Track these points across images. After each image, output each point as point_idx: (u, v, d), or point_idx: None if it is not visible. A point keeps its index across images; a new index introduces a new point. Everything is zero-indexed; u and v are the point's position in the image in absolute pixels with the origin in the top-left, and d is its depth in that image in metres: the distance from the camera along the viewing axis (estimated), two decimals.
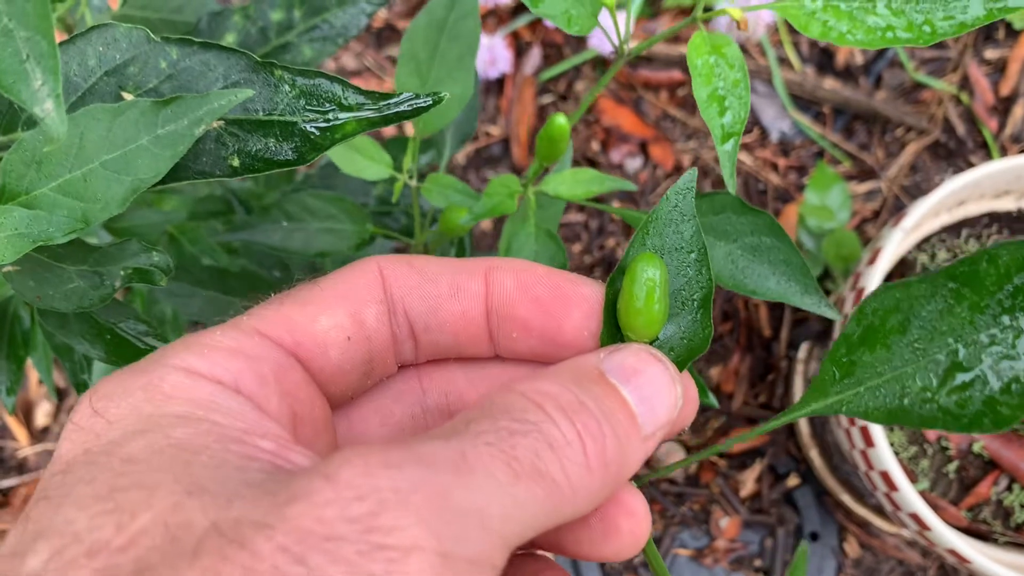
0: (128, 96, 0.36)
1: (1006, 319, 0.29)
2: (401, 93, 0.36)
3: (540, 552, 0.32)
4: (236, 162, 0.36)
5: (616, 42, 0.43)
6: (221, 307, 0.55)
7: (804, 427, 1.03)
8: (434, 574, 0.21)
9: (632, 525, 0.29)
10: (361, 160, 0.49)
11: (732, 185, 0.38)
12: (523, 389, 0.26)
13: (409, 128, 0.84)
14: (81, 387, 0.49)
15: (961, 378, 0.29)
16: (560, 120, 0.41)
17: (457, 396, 0.34)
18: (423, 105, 0.36)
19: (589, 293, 0.32)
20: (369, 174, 0.48)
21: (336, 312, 0.30)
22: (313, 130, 0.36)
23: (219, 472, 0.23)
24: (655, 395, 0.28)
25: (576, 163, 1.18)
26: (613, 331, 0.32)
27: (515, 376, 0.34)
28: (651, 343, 0.32)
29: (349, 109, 0.36)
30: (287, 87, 0.36)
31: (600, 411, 0.26)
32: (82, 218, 0.35)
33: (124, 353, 0.42)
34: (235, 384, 0.27)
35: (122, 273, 0.38)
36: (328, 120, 0.35)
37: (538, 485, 0.24)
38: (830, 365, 0.31)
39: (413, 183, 0.51)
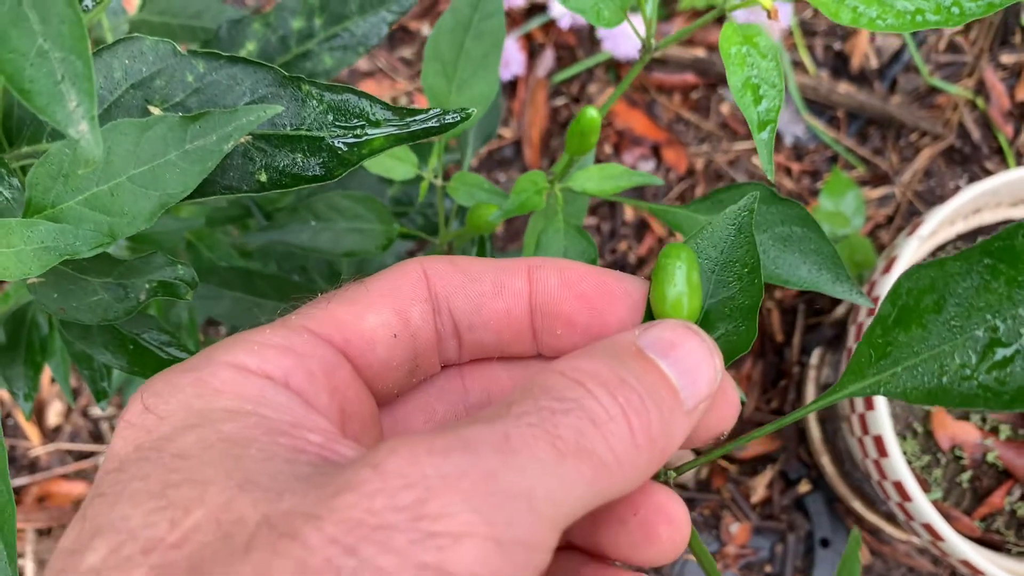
0: (155, 110, 0.36)
1: None
2: (428, 109, 0.36)
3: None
4: (264, 177, 0.36)
5: (643, 35, 0.42)
6: (247, 308, 0.55)
7: (815, 433, 1.02)
8: (488, 559, 0.21)
9: (672, 532, 0.29)
10: (388, 160, 0.49)
11: (770, 172, 0.37)
12: (562, 368, 0.26)
13: None
14: (101, 394, 0.49)
15: (1001, 353, 0.29)
16: (592, 113, 0.41)
17: (500, 394, 0.34)
18: (452, 121, 0.35)
19: (633, 289, 0.32)
20: (396, 173, 0.48)
21: (383, 310, 0.30)
22: (341, 145, 0.35)
23: (269, 465, 0.23)
24: (695, 368, 0.28)
25: None
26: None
27: None
28: None
29: (377, 125, 0.36)
30: (315, 102, 0.36)
31: (642, 386, 0.26)
32: (109, 232, 0.35)
33: (146, 363, 0.42)
34: (285, 380, 0.27)
35: (147, 286, 0.38)
36: (356, 136, 0.35)
37: (584, 463, 0.24)
38: (866, 347, 0.31)
39: (439, 182, 0.51)
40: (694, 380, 0.28)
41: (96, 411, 1.12)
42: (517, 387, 0.26)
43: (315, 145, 0.36)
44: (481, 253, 0.57)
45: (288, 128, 0.36)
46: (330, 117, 0.36)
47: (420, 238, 0.58)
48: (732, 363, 0.32)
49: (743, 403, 0.46)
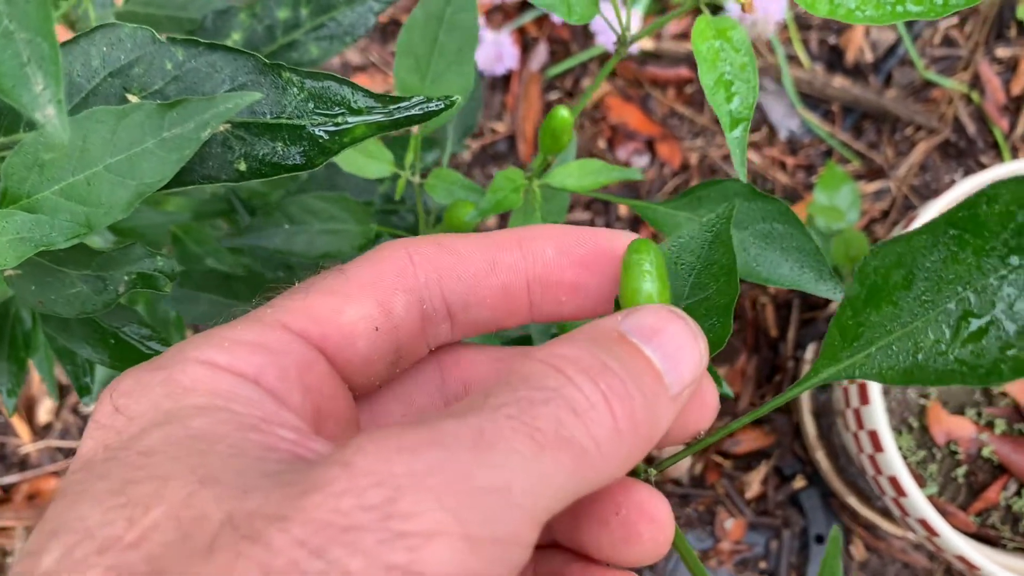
0: (133, 98, 0.35)
1: (1015, 259, 0.28)
2: (411, 97, 0.35)
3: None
4: (243, 166, 0.35)
5: (618, 30, 0.42)
6: (223, 310, 0.54)
7: (810, 428, 1.02)
8: (459, 559, 0.20)
9: (654, 532, 0.29)
10: (362, 158, 0.48)
11: (743, 172, 0.37)
12: (541, 356, 0.25)
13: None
14: (84, 390, 0.49)
15: (976, 324, 0.28)
16: (563, 112, 0.41)
17: (478, 382, 0.34)
18: (435, 109, 0.35)
19: (628, 242, 0.32)
20: (371, 172, 0.48)
21: (364, 302, 0.29)
22: (322, 134, 0.35)
23: (236, 461, 0.22)
24: (679, 352, 0.27)
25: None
26: None
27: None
28: None
29: (358, 112, 0.35)
30: (295, 90, 0.35)
31: (625, 371, 0.25)
32: (85, 223, 0.34)
33: (128, 357, 0.42)
34: (256, 378, 0.26)
35: (126, 278, 0.37)
36: (337, 124, 0.35)
37: (564, 454, 0.23)
38: (837, 330, 0.30)
39: (416, 180, 0.51)
40: (678, 364, 0.27)
41: (87, 408, 1.11)
42: (495, 378, 0.25)
43: (296, 133, 0.35)
44: None
45: (268, 116, 0.35)
46: (311, 105, 0.35)
47: (402, 236, 0.58)
48: (722, 359, 0.31)
49: (731, 398, 0.45)
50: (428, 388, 0.34)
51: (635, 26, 1.11)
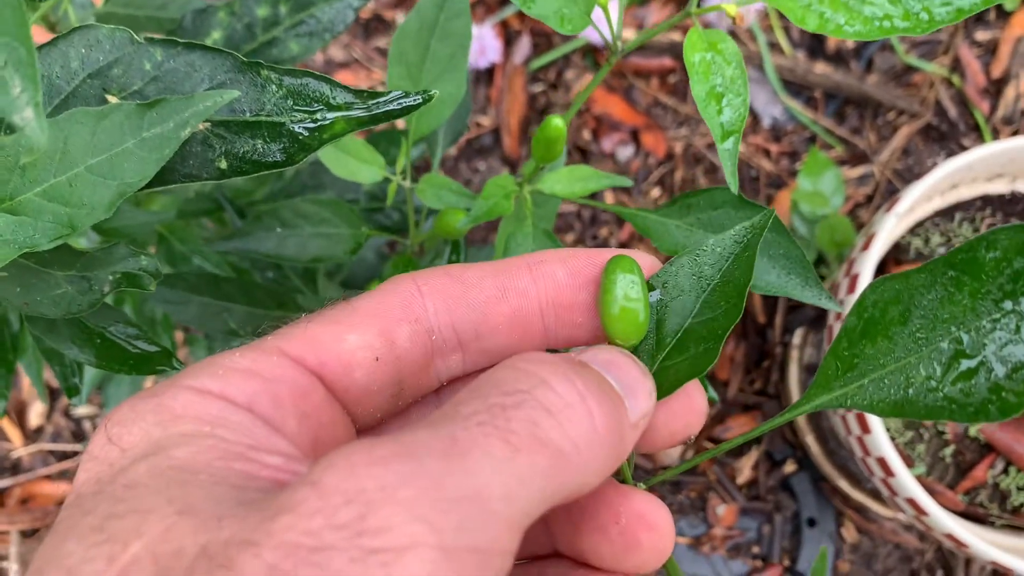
0: (112, 99, 0.35)
1: (1008, 304, 0.29)
2: (389, 92, 0.36)
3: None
4: (224, 164, 0.35)
5: (610, 39, 0.42)
6: (215, 312, 0.55)
7: None
8: (435, 570, 0.20)
9: (654, 539, 0.29)
10: (353, 163, 0.48)
11: (734, 185, 0.37)
12: (511, 362, 0.25)
13: (401, 125, 0.83)
14: (72, 391, 0.49)
15: (966, 364, 0.29)
16: (557, 122, 0.41)
17: None
18: (413, 104, 0.35)
19: (643, 263, 0.32)
20: (362, 177, 0.48)
21: (365, 331, 0.29)
22: (301, 130, 0.35)
23: (215, 490, 0.22)
24: (634, 384, 0.28)
25: (567, 153, 1.17)
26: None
27: None
28: (641, 350, 0.32)
29: (338, 108, 0.35)
30: (274, 87, 0.35)
31: (595, 381, 0.26)
32: (68, 224, 0.34)
33: (114, 357, 0.42)
34: (248, 405, 0.26)
35: (111, 278, 0.37)
36: (316, 120, 0.35)
37: (539, 455, 0.22)
38: (832, 359, 0.31)
39: (407, 184, 0.51)
40: (635, 394, 0.28)
41: (78, 411, 1.11)
42: (467, 387, 0.25)
43: (275, 131, 0.35)
44: (455, 254, 0.56)
45: (248, 114, 0.35)
46: (290, 102, 0.35)
47: (392, 239, 0.58)
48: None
49: (716, 401, 0.46)
50: (424, 411, 0.33)
51: (613, 16, 1.11)
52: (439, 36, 0.47)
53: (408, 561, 0.20)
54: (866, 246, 0.83)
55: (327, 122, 0.35)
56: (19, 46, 0.24)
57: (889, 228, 0.82)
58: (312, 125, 0.35)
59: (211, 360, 0.27)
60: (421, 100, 0.35)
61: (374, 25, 1.21)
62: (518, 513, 0.22)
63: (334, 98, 0.35)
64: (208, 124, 0.35)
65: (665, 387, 0.31)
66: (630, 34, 1.18)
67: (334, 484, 0.21)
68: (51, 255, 0.38)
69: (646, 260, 0.32)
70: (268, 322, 0.54)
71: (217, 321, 0.54)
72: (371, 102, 0.35)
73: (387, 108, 0.35)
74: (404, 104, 0.35)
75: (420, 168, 1.07)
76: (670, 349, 0.32)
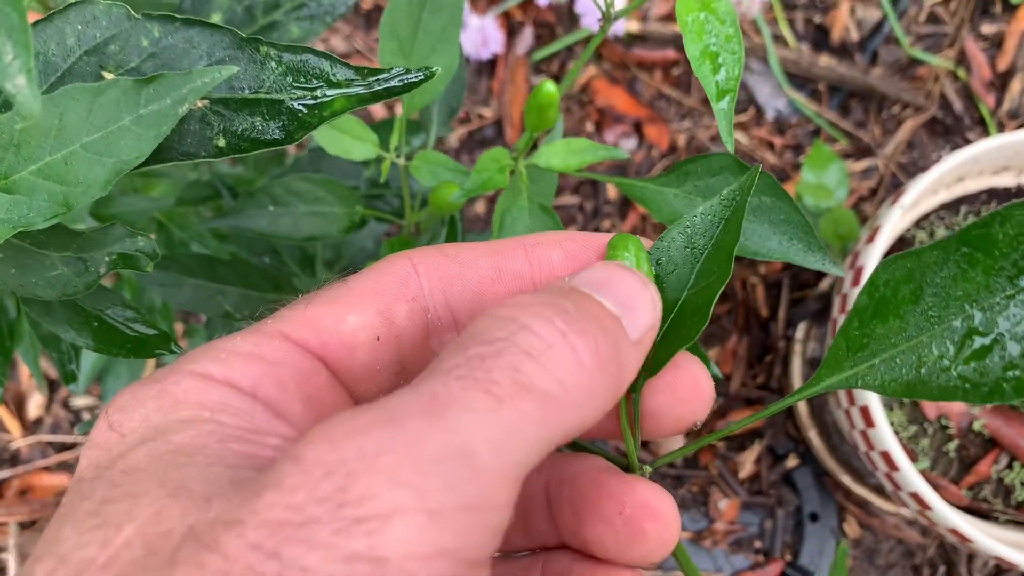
0: (109, 76, 0.35)
1: (1022, 280, 0.28)
2: (391, 68, 0.35)
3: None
4: (222, 142, 0.35)
5: (602, 7, 0.41)
6: (210, 295, 0.54)
7: (803, 408, 1.02)
8: (423, 534, 0.19)
9: (659, 529, 0.28)
10: (348, 140, 0.47)
11: (730, 144, 0.36)
12: (491, 310, 0.24)
13: (398, 108, 0.82)
14: (69, 377, 0.48)
15: (979, 342, 0.29)
16: (548, 87, 0.40)
17: None
18: (414, 80, 0.35)
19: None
20: (356, 154, 0.47)
21: (364, 311, 0.29)
22: (301, 108, 0.34)
23: (210, 471, 0.22)
24: (632, 299, 0.27)
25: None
26: None
27: None
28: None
29: (337, 86, 0.35)
30: (273, 64, 0.35)
31: (580, 311, 0.24)
32: (64, 202, 0.34)
33: (112, 340, 0.41)
34: (252, 390, 0.26)
35: (106, 259, 0.37)
36: (316, 97, 0.34)
37: (526, 402, 0.22)
38: (842, 339, 0.30)
39: (401, 162, 0.50)
40: (633, 309, 0.27)
41: (77, 402, 1.11)
42: (450, 343, 0.24)
43: (274, 108, 0.35)
44: (451, 234, 0.55)
45: (247, 91, 0.35)
46: (289, 79, 0.35)
47: (388, 220, 0.57)
48: (713, 340, 0.31)
49: (721, 380, 0.45)
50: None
51: (618, 2, 1.11)
52: (430, 9, 0.46)
53: (394, 527, 0.19)
54: (871, 238, 0.83)
55: (327, 99, 0.34)
56: (11, 11, 0.23)
57: (894, 221, 0.82)
58: (312, 102, 0.34)
59: (212, 344, 0.27)
60: (423, 76, 0.34)
61: (375, 16, 1.21)
62: (511, 464, 0.21)
63: (334, 75, 0.35)
64: (206, 101, 0.35)
65: (662, 361, 0.30)
66: (633, 25, 1.17)
67: (315, 457, 0.20)
68: (47, 236, 0.38)
69: (646, 244, 0.32)
70: (264, 305, 0.53)
71: (212, 304, 0.53)
72: (371, 79, 0.35)
73: (388, 85, 0.35)
74: (406, 80, 0.34)
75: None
76: (669, 324, 0.31)
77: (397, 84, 0.34)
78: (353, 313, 0.28)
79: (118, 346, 0.41)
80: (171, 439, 0.23)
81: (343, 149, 0.47)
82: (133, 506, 0.21)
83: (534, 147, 0.80)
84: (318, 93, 0.34)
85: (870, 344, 0.30)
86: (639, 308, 0.27)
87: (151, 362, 1.08)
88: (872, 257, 0.80)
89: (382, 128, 0.62)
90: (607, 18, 0.42)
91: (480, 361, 0.22)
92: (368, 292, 0.29)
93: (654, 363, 0.30)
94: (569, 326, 0.24)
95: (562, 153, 0.46)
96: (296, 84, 0.35)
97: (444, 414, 0.21)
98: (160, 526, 0.20)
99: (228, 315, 0.53)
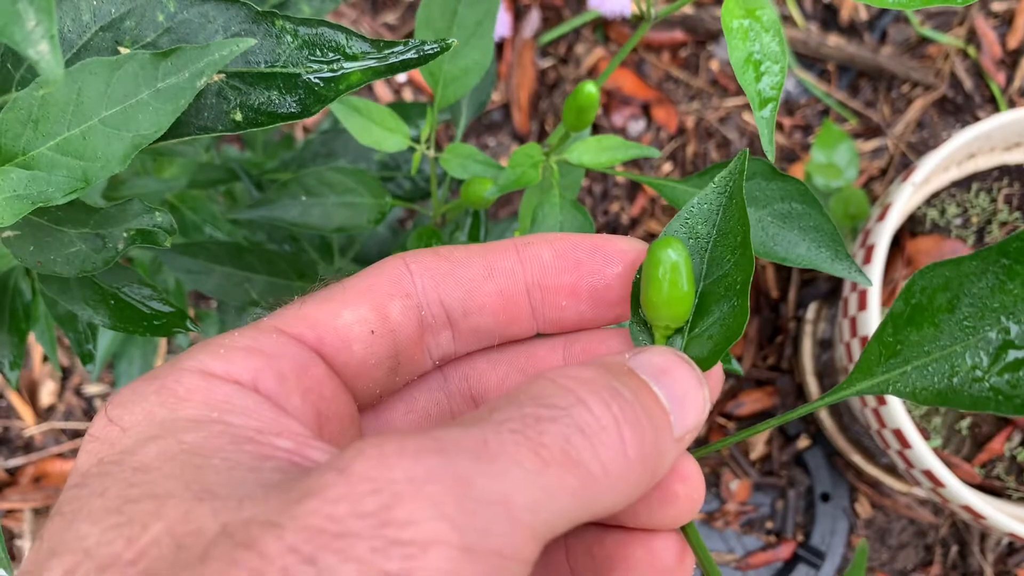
0: (125, 51, 0.35)
1: None
2: (406, 41, 0.35)
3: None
4: (239, 116, 0.35)
5: (648, 8, 0.42)
6: (237, 282, 0.54)
7: (813, 389, 1.02)
8: (456, 569, 0.20)
9: (688, 489, 0.29)
10: (378, 131, 0.47)
11: (771, 152, 0.37)
12: (552, 375, 0.25)
13: (406, 93, 0.82)
14: (87, 357, 0.48)
15: (1013, 355, 0.29)
16: (590, 88, 0.40)
17: (477, 378, 0.34)
18: (430, 52, 0.34)
19: (627, 248, 0.32)
20: (387, 145, 0.47)
21: (359, 307, 0.29)
22: (317, 81, 0.34)
23: (232, 475, 0.22)
24: (685, 396, 0.27)
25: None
26: (640, 322, 0.32)
27: (533, 353, 0.34)
28: (687, 331, 0.31)
29: (354, 58, 0.35)
30: (289, 37, 0.35)
31: (636, 399, 0.25)
32: (82, 177, 0.34)
33: (128, 318, 0.41)
34: (253, 383, 0.26)
35: (124, 235, 0.37)
36: (333, 70, 0.34)
37: (570, 473, 0.22)
38: (876, 344, 0.31)
39: (431, 154, 0.50)
40: (683, 407, 0.27)
41: (89, 389, 1.11)
42: (502, 394, 0.25)
43: (290, 82, 0.35)
44: (475, 225, 0.56)
45: (263, 65, 0.35)
46: (305, 52, 0.35)
47: (412, 208, 0.57)
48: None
49: (740, 375, 0.45)
50: (430, 387, 0.34)
51: None
52: (467, 2, 0.47)
53: (431, 556, 0.20)
54: (882, 216, 0.82)
55: (343, 72, 0.34)
56: None
57: (905, 198, 0.81)
58: (328, 75, 0.34)
59: (210, 341, 0.27)
60: (439, 48, 0.34)
61: (382, 0, 1.20)
62: (542, 525, 0.22)
63: (350, 47, 0.34)
64: (223, 75, 0.35)
65: (704, 357, 0.31)
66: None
67: (362, 472, 0.21)
68: (64, 213, 0.38)
69: (636, 244, 0.32)
70: (288, 293, 0.54)
71: (239, 291, 0.54)
72: (387, 51, 0.35)
73: (403, 57, 0.35)
74: (422, 52, 0.34)
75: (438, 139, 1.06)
76: (693, 316, 0.31)
77: (413, 56, 0.34)
78: (348, 309, 0.29)
79: (135, 323, 0.41)
80: (182, 438, 0.24)
81: (373, 140, 0.47)
82: (160, 506, 0.21)
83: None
84: (334, 66, 0.34)
85: (903, 351, 0.30)
86: (689, 407, 0.27)
87: (162, 348, 1.08)
88: (883, 235, 0.80)
89: (409, 110, 0.62)
90: (647, 19, 0.43)
91: (535, 422, 0.23)
92: (363, 290, 0.30)
93: (697, 360, 0.30)
94: (623, 414, 0.24)
95: (593, 150, 0.46)
96: (312, 57, 0.34)
97: (494, 462, 0.21)
98: (189, 525, 0.21)
99: (253, 302, 0.53)
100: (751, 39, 0.38)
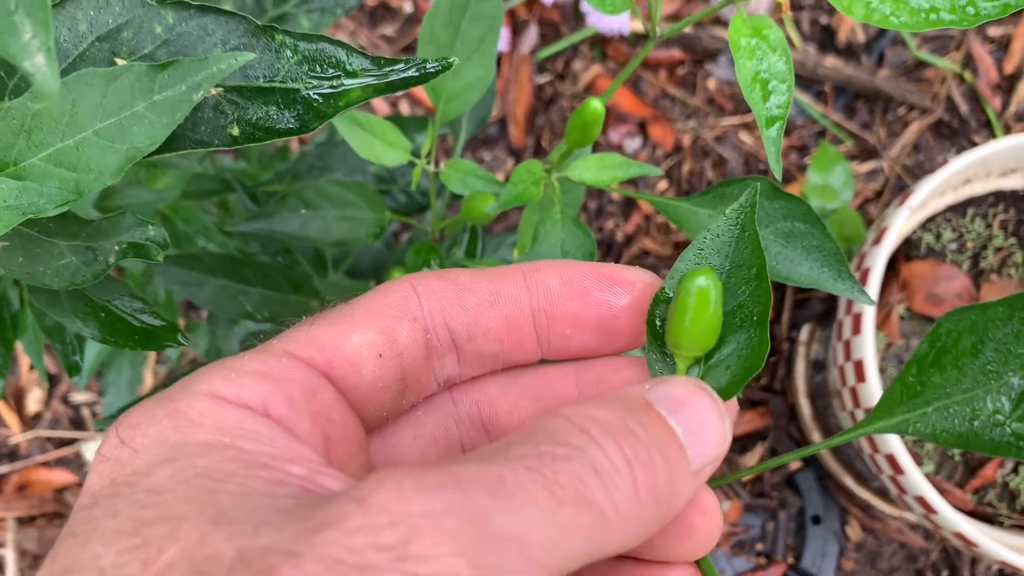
0: (122, 63, 0.34)
1: None
2: (408, 59, 0.35)
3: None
4: (236, 131, 0.34)
5: (653, 27, 0.42)
6: (232, 295, 0.54)
7: (806, 410, 1.02)
8: None
9: (706, 522, 0.29)
10: (379, 144, 0.47)
11: (778, 171, 0.37)
12: (568, 413, 0.25)
13: (403, 106, 0.82)
14: (74, 369, 0.48)
15: None
16: (595, 104, 0.40)
17: (488, 404, 0.34)
18: (431, 71, 0.34)
19: (635, 278, 0.32)
20: (388, 159, 0.47)
21: (367, 330, 0.30)
22: (316, 97, 0.34)
23: (246, 500, 0.22)
24: (704, 428, 0.27)
25: None
26: (659, 351, 0.31)
27: (546, 381, 0.33)
28: (704, 360, 0.31)
29: (354, 75, 0.34)
30: (289, 52, 0.34)
31: (649, 438, 0.25)
32: (74, 189, 0.33)
33: (119, 331, 0.41)
34: (263, 407, 0.26)
35: (116, 248, 0.36)
36: (333, 87, 0.34)
37: (583, 513, 0.23)
38: (899, 385, 0.31)
39: (431, 169, 0.50)
40: (702, 440, 0.27)
41: (76, 397, 1.10)
42: (518, 429, 0.25)
43: (289, 97, 0.34)
44: (473, 240, 0.55)
45: (261, 80, 0.34)
46: (305, 68, 0.34)
47: (407, 222, 0.57)
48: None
49: (740, 402, 0.45)
50: (439, 413, 0.34)
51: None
52: (470, 17, 0.46)
53: None
54: (877, 240, 0.82)
55: (343, 89, 0.34)
56: None
57: (901, 222, 0.81)
58: (328, 92, 0.34)
59: (220, 364, 0.27)
60: (440, 67, 0.34)
61: (380, 13, 1.20)
62: (556, 564, 0.22)
63: (350, 64, 0.34)
64: (220, 89, 0.34)
65: (723, 387, 0.30)
66: (639, 25, 1.16)
67: (381, 504, 0.21)
68: (55, 224, 0.37)
69: (645, 276, 0.32)
70: (283, 307, 0.54)
71: (234, 304, 0.53)
72: (388, 68, 0.34)
73: (404, 75, 0.34)
74: (424, 71, 0.34)
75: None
76: (712, 350, 0.31)
77: (414, 75, 0.34)
78: (356, 332, 0.29)
79: (125, 337, 0.40)
80: (195, 462, 0.24)
81: (374, 153, 0.47)
82: (174, 529, 0.21)
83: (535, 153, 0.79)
84: (334, 83, 0.34)
85: (924, 392, 0.30)
86: (708, 440, 0.27)
87: (151, 360, 1.07)
88: (879, 259, 0.80)
89: (407, 124, 0.62)
90: (652, 37, 0.43)
91: (551, 460, 0.23)
92: (370, 312, 0.30)
93: (717, 391, 0.30)
94: (636, 454, 0.24)
95: (595, 168, 0.46)
96: (312, 73, 0.34)
97: (510, 499, 0.22)
98: (205, 549, 0.21)
99: (248, 315, 0.52)
100: (758, 58, 0.38)
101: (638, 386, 0.28)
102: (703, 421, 0.27)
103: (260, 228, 0.51)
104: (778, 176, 0.37)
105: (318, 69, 0.34)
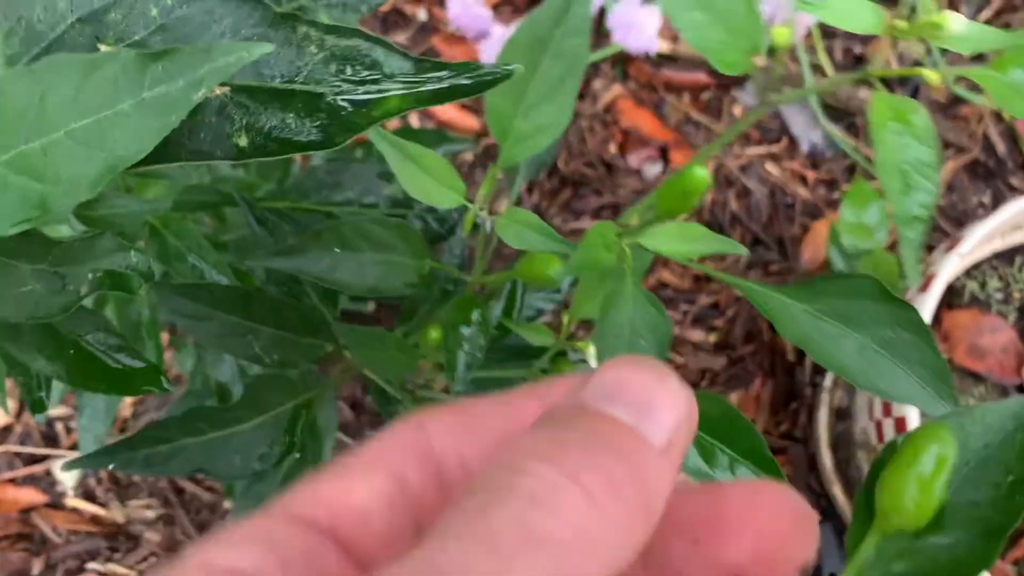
0: (107, 49, 0.28)
1: None
2: (454, 63, 0.28)
3: None
4: (243, 141, 0.28)
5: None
6: (240, 334, 0.48)
7: (827, 461, 0.96)
8: None
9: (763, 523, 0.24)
10: (432, 184, 0.41)
11: (914, 276, 0.32)
12: (488, 458, 0.22)
13: (423, 115, 0.76)
14: (38, 406, 0.41)
15: None
16: (700, 172, 0.35)
17: (472, 460, 0.30)
18: (488, 79, 0.28)
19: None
20: (440, 201, 0.41)
21: (374, 476, 0.27)
22: (345, 104, 0.28)
23: None
24: (648, 398, 0.23)
25: (590, 164, 1.11)
26: (865, 514, 0.27)
27: None
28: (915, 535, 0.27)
29: (392, 79, 0.28)
30: (313, 48, 0.28)
31: (587, 440, 0.22)
32: (39, 203, 0.27)
33: (90, 372, 0.34)
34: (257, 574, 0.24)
35: (90, 276, 0.30)
36: (367, 92, 0.27)
37: (539, 555, 0.19)
38: None
39: (485, 215, 0.44)
40: (651, 411, 0.23)
41: (50, 411, 1.04)
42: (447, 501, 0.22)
43: (312, 103, 0.28)
44: (512, 298, 0.50)
45: (278, 79, 0.28)
46: (332, 67, 0.28)
47: (440, 267, 0.51)
48: (736, 384, 0.26)
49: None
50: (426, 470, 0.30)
51: (650, 26, 1.05)
52: (552, 54, 0.42)
53: None
54: (924, 287, 0.76)
55: (380, 96, 0.27)
56: None
57: (951, 269, 0.76)
58: (360, 98, 0.27)
59: (217, 533, 0.25)
60: (500, 75, 0.28)
61: (393, 19, 1.15)
62: None
63: (389, 66, 0.28)
64: (227, 88, 0.28)
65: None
66: (664, 45, 1.11)
67: None
68: (17, 244, 0.31)
69: (682, 400, 0.28)
70: (294, 351, 0.48)
71: (241, 343, 0.47)
72: (435, 74, 0.28)
73: (455, 83, 0.28)
74: (478, 79, 0.28)
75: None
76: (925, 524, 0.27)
77: (466, 83, 0.28)
78: (362, 480, 0.27)
79: (97, 380, 0.34)
80: None
81: (424, 193, 0.41)
82: None
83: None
84: (369, 87, 0.27)
85: None
86: (658, 406, 0.23)
87: None
88: (927, 308, 0.74)
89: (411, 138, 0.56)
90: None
91: (481, 515, 0.20)
92: (376, 456, 0.27)
93: None
94: (580, 463, 0.21)
95: (675, 239, 0.40)
96: (341, 75, 0.28)
97: None
98: None
99: (257, 357, 0.46)
100: (902, 146, 0.33)
101: (567, 396, 0.24)
102: (644, 392, 0.23)
103: (287, 267, 0.45)
104: (911, 283, 0.33)
105: (349, 70, 0.28)
